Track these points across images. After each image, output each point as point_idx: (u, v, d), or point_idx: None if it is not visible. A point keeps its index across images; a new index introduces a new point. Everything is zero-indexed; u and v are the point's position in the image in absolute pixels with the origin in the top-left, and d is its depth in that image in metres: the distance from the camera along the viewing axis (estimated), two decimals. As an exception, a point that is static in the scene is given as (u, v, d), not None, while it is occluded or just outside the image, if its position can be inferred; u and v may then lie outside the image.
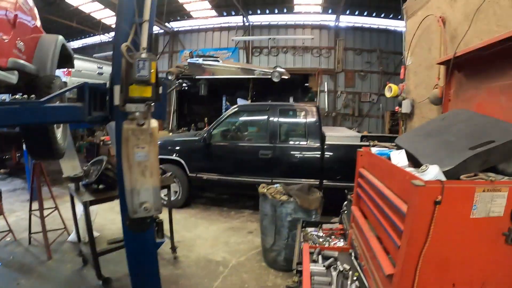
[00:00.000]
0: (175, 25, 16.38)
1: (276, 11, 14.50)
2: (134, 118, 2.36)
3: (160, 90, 2.61)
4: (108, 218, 5.32)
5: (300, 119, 6.02)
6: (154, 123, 2.42)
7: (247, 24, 15.00)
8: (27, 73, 3.05)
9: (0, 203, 5.34)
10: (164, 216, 3.79)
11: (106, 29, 15.72)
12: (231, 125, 6.41)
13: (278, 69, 11.55)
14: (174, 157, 6.21)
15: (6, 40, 2.64)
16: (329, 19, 14.34)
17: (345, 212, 3.29)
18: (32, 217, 4.65)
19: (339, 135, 5.80)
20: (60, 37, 3.68)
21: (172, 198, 5.94)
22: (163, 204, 3.74)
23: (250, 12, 14.67)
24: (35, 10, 3.63)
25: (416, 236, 1.34)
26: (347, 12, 13.75)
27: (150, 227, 2.58)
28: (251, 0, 13.63)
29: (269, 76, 11.19)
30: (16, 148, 9.44)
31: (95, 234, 4.34)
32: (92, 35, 17.71)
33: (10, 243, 4.70)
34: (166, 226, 4.15)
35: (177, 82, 11.90)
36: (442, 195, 1.29)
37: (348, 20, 14.32)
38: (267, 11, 14.66)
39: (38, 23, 3.67)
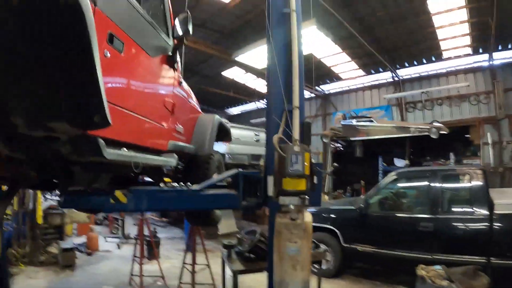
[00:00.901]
0: (326, 87, 17.64)
1: (424, 61, 14.11)
2: (287, 211, 2.32)
3: (315, 179, 2.54)
4: (255, 279, 4.86)
5: (464, 184, 5.47)
6: (308, 217, 2.35)
7: (396, 79, 15.05)
8: (186, 153, 3.15)
9: (156, 250, 6.17)
10: (313, 284, 3.40)
11: (260, 96, 17.63)
12: (389, 193, 6.12)
13: (435, 124, 11.11)
14: (328, 226, 6.24)
15: (165, 126, 2.69)
16: (482, 59, 13.01)
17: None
18: (184, 268, 4.99)
19: (510, 202, 5.08)
20: (217, 116, 3.78)
21: (324, 267, 5.69)
22: (314, 272, 3.52)
23: (398, 67, 14.65)
24: (191, 93, 3.71)
25: None
26: (500, 48, 12.22)
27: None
28: (397, 54, 13.61)
29: (426, 133, 10.81)
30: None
31: (241, 295, 4.34)
32: (248, 102, 20.36)
33: (161, 287, 5.17)
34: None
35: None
36: None
37: (502, 56, 12.64)
38: (415, 63, 14.43)
39: (195, 103, 3.76)
